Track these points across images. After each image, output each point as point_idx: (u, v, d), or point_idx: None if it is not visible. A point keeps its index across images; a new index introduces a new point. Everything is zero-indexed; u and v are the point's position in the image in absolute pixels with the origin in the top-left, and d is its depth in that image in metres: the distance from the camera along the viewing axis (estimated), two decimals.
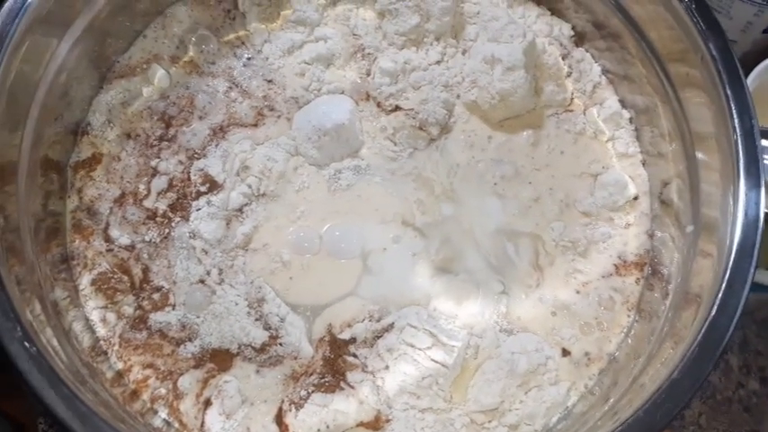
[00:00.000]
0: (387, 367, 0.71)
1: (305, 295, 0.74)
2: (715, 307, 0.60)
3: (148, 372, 0.71)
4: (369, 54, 0.82)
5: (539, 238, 0.77)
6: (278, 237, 0.76)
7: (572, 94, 0.83)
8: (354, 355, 0.72)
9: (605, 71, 0.83)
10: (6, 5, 0.67)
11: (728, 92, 0.66)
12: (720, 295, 0.60)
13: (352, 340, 0.73)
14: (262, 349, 0.72)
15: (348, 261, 0.76)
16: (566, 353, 0.73)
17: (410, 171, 0.79)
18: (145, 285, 0.74)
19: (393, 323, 0.73)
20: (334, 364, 0.72)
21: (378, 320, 0.73)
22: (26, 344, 0.57)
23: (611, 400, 0.66)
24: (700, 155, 0.71)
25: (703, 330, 0.59)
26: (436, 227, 0.77)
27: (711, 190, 0.68)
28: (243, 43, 0.83)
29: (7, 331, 0.57)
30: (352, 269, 0.75)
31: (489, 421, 0.69)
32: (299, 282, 0.75)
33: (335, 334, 0.73)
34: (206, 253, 0.74)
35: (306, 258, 0.75)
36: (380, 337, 0.73)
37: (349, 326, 0.73)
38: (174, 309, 0.73)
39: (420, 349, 0.71)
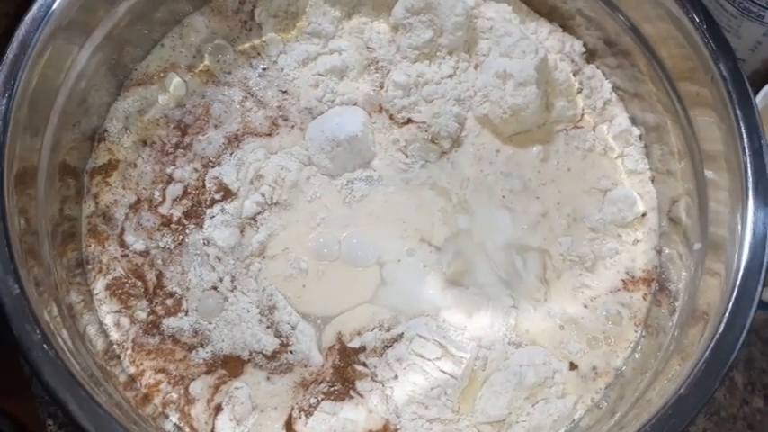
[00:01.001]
0: (396, 377, 0.72)
1: (317, 303, 0.75)
2: (722, 325, 0.61)
3: (160, 376, 0.72)
4: (382, 67, 0.83)
5: (546, 253, 0.78)
6: (298, 242, 0.77)
7: (582, 110, 0.83)
8: (364, 364, 0.73)
9: (616, 88, 0.84)
10: (30, 13, 0.68)
11: (738, 112, 0.67)
12: (728, 314, 0.61)
13: (362, 349, 0.74)
14: (272, 356, 0.73)
15: (363, 270, 0.76)
16: (573, 366, 0.73)
17: (425, 181, 0.80)
18: (158, 291, 0.75)
19: (403, 333, 0.74)
20: (344, 372, 0.73)
21: (387, 330, 0.74)
22: (45, 346, 0.58)
23: (618, 415, 0.66)
24: (708, 173, 0.71)
25: (710, 348, 0.60)
26: (451, 239, 0.78)
27: (720, 208, 0.69)
28: (258, 54, 0.84)
29: (26, 333, 0.58)
30: (366, 278, 0.76)
31: None
32: (312, 290, 0.75)
33: (345, 342, 0.74)
34: (219, 260, 0.75)
35: (322, 265, 0.76)
36: (390, 346, 0.73)
37: (359, 334, 0.74)
38: (186, 314, 0.74)
39: (429, 360, 0.72)
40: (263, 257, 0.76)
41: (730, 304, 0.61)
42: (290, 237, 0.77)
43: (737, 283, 0.62)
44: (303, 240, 0.77)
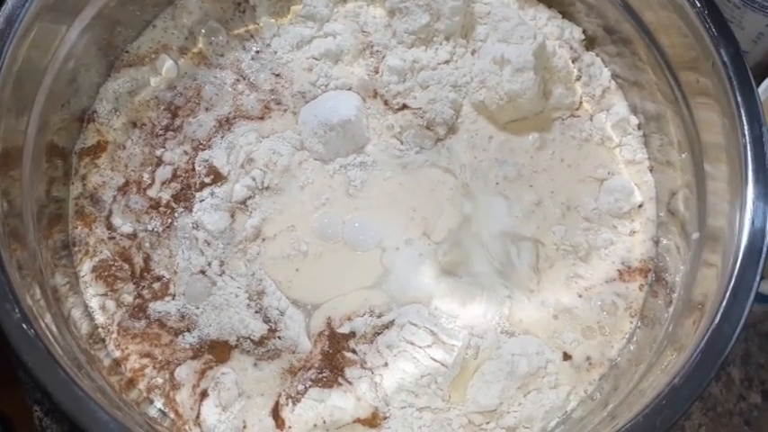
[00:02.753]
0: (386, 364, 0.71)
1: (308, 288, 0.74)
2: (718, 315, 0.60)
3: (146, 361, 0.71)
4: (377, 51, 0.82)
5: (539, 242, 0.76)
6: (303, 221, 0.76)
7: (581, 98, 0.82)
8: (353, 351, 0.72)
9: (615, 76, 0.83)
10: None
11: (739, 99, 0.66)
12: (724, 303, 0.60)
13: (352, 335, 0.73)
14: (260, 342, 0.72)
15: (362, 255, 0.75)
16: (567, 357, 0.72)
17: (422, 164, 0.79)
18: (145, 274, 0.74)
19: (394, 320, 0.73)
20: (333, 359, 0.72)
21: (378, 316, 0.73)
22: (24, 326, 0.57)
23: (610, 406, 0.65)
24: (708, 163, 0.70)
25: (706, 338, 0.59)
26: (454, 228, 0.77)
27: (718, 200, 0.68)
28: (252, 36, 0.83)
29: (6, 313, 0.57)
30: (364, 264, 0.75)
31: (487, 422, 0.69)
32: (305, 274, 0.74)
33: (335, 328, 0.73)
34: (208, 244, 0.74)
35: (322, 247, 0.75)
36: (380, 333, 0.72)
37: (349, 319, 0.73)
38: (173, 299, 0.73)
39: (420, 347, 0.71)
40: (263, 240, 0.75)
41: (727, 295, 0.60)
42: (295, 215, 0.76)
43: (735, 272, 0.61)
44: (308, 219, 0.76)
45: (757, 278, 0.61)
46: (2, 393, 0.80)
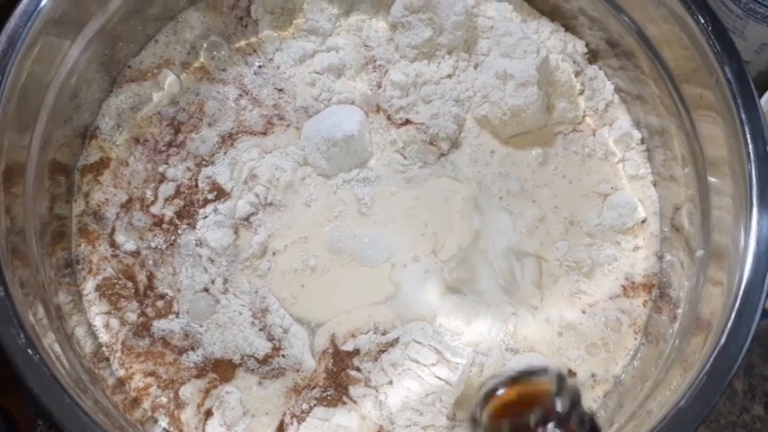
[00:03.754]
0: (390, 382, 0.71)
1: (313, 304, 0.74)
2: (724, 335, 0.59)
3: (150, 380, 0.71)
4: (380, 66, 0.82)
5: (542, 258, 0.76)
6: (315, 234, 0.76)
7: (584, 112, 0.82)
8: (358, 369, 0.72)
9: (618, 90, 0.83)
10: (20, 6, 0.66)
11: (743, 115, 0.66)
12: (730, 323, 0.60)
13: (356, 352, 0.72)
14: (264, 360, 0.72)
15: (369, 271, 0.75)
16: (572, 374, 0.72)
17: (426, 177, 0.78)
18: (149, 292, 0.74)
19: (398, 338, 0.72)
20: (338, 377, 0.72)
21: (383, 334, 0.73)
22: (29, 351, 0.57)
23: (616, 425, 0.65)
24: (712, 179, 0.70)
25: (712, 358, 0.59)
26: (463, 247, 0.76)
27: (723, 215, 0.68)
28: (254, 51, 0.83)
29: (10, 337, 0.57)
30: (371, 280, 0.75)
31: None
32: (310, 290, 0.74)
33: (338, 345, 0.73)
34: (212, 261, 0.74)
35: (330, 261, 0.75)
36: (385, 351, 0.72)
37: (353, 336, 0.73)
38: (177, 317, 0.73)
39: (424, 365, 0.70)
40: (274, 254, 0.75)
41: (733, 314, 0.60)
42: (307, 226, 0.76)
43: (740, 293, 0.61)
44: (319, 232, 0.76)
45: (763, 297, 0.61)
46: (7, 394, 0.80)
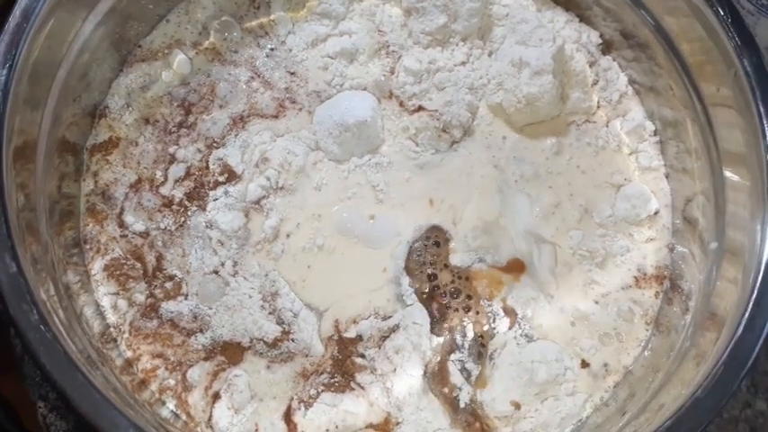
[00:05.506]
0: (395, 370, 0.71)
1: (319, 288, 0.73)
2: (741, 326, 0.59)
3: (158, 362, 0.71)
4: (393, 51, 0.81)
5: (557, 245, 0.76)
6: (327, 212, 0.75)
7: (598, 102, 0.82)
8: (362, 356, 0.72)
9: (632, 81, 0.82)
10: None
11: (762, 109, 0.66)
12: (747, 315, 0.60)
13: (359, 338, 0.72)
14: (273, 344, 0.71)
15: (373, 253, 0.75)
16: (585, 364, 0.72)
17: (438, 163, 0.78)
18: (158, 273, 0.73)
19: (399, 324, 0.72)
20: (343, 365, 0.71)
21: (384, 319, 0.73)
22: (42, 327, 0.56)
23: (628, 415, 0.65)
24: (727, 173, 0.70)
25: (729, 349, 0.59)
26: (482, 218, 0.76)
27: (738, 210, 0.68)
28: (266, 33, 0.82)
29: (23, 314, 0.56)
30: (374, 262, 0.75)
31: (504, 426, 0.69)
32: (317, 271, 0.74)
33: (342, 332, 0.72)
34: (222, 244, 0.74)
35: (336, 242, 0.75)
36: (387, 337, 0.72)
37: (354, 323, 0.73)
38: (186, 298, 0.72)
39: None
40: (288, 236, 0.74)
41: (749, 306, 0.60)
42: (320, 204, 0.76)
43: (757, 285, 0.61)
44: (331, 211, 0.76)
45: None
46: (6, 381, 0.79)
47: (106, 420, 0.55)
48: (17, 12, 0.64)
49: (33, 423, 0.76)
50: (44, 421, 0.75)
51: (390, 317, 0.73)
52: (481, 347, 0.72)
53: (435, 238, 0.76)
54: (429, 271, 0.75)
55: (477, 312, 0.73)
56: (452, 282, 0.74)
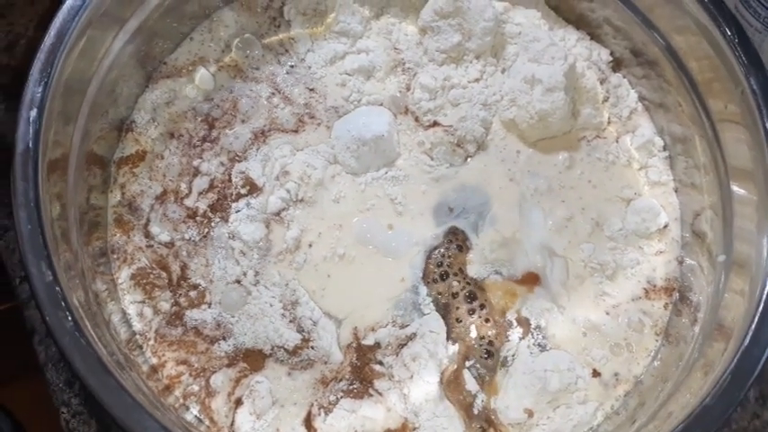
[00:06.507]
0: (411, 377, 0.72)
1: (339, 297, 0.75)
2: (748, 337, 0.61)
3: (182, 368, 0.73)
4: (409, 69, 0.84)
5: (569, 259, 0.78)
6: (348, 222, 0.78)
7: (608, 118, 0.84)
8: (380, 363, 0.73)
9: (641, 98, 0.84)
10: (68, 2, 0.68)
11: None
12: (754, 326, 0.61)
13: (377, 346, 0.74)
14: (294, 352, 0.73)
15: (392, 262, 0.77)
16: (596, 373, 0.74)
17: (453, 176, 0.80)
18: (182, 282, 0.75)
19: (416, 332, 0.74)
20: (362, 372, 0.73)
21: (401, 327, 0.75)
22: (76, 333, 0.58)
23: (638, 423, 0.67)
24: (735, 188, 0.71)
25: (736, 359, 0.60)
26: (500, 230, 0.78)
27: (746, 224, 0.69)
28: (287, 51, 0.84)
29: (58, 320, 0.59)
30: (393, 272, 0.77)
31: None
32: (336, 280, 0.76)
33: (360, 339, 0.74)
34: (243, 254, 0.76)
35: (356, 251, 0.77)
36: (405, 345, 0.74)
37: (373, 330, 0.75)
38: (209, 307, 0.75)
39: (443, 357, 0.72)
40: (310, 245, 0.76)
41: (756, 317, 0.62)
42: (341, 215, 0.78)
43: (764, 297, 0.62)
44: (351, 221, 0.78)
45: None
46: (11, 390, 0.80)
47: (137, 423, 0.58)
48: (52, 32, 0.67)
49: (51, 430, 0.78)
50: (67, 426, 0.77)
51: (408, 325, 0.75)
52: (495, 356, 0.74)
53: (457, 242, 0.78)
54: (446, 279, 0.77)
55: (492, 322, 0.75)
56: (469, 293, 0.76)
